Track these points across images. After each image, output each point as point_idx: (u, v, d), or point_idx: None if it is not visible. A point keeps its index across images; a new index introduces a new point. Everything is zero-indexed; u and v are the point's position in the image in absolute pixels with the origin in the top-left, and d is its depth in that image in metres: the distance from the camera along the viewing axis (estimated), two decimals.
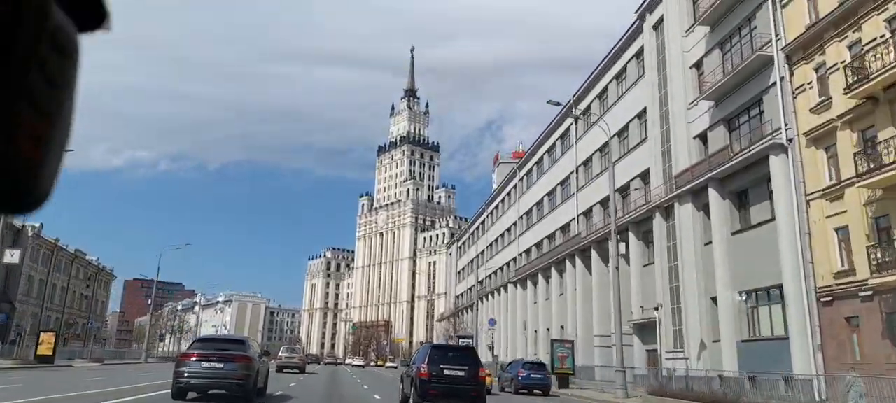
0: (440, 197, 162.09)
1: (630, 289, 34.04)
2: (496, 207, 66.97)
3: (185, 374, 12.54)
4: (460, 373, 13.52)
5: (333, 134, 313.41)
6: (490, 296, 59.86)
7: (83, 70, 0.45)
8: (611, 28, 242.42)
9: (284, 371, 33.19)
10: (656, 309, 29.26)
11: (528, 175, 55.88)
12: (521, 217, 56.38)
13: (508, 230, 61.00)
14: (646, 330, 31.90)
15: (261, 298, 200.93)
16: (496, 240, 64.18)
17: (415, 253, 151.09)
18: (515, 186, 59.58)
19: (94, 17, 0.55)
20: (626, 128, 36.11)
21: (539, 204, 51.78)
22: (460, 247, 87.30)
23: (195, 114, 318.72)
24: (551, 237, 48.49)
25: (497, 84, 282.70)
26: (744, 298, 24.40)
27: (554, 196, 48.47)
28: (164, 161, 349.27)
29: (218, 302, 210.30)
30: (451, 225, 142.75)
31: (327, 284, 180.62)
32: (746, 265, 24.17)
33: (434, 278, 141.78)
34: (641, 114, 34.30)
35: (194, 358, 12.73)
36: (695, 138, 28.54)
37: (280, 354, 37.01)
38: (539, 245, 51.15)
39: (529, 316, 50.04)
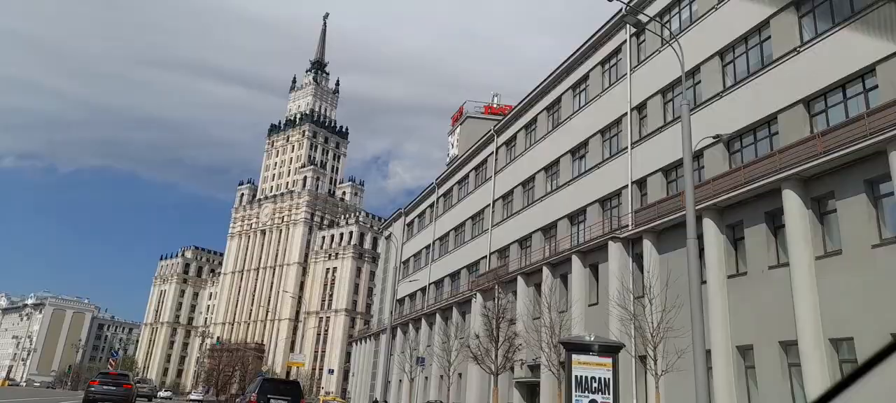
0: (345, 192, 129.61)
1: None
2: (508, 144, 38.69)
3: (93, 391, 22.73)
4: None
5: (212, 152, 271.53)
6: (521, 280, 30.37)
7: None
8: (503, 86, 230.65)
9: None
10: None
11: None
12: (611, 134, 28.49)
13: (567, 157, 32.84)
14: None
15: (87, 304, 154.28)
16: (523, 184, 35.70)
17: (306, 257, 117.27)
18: (584, 82, 31.85)
19: None
20: None
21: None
22: (409, 225, 57.61)
23: (53, 112, 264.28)
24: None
25: (386, 121, 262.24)
26: None
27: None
28: (9, 158, 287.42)
29: (26, 305, 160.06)
30: (361, 221, 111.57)
31: (182, 292, 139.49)
32: None
33: (333, 288, 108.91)
34: None
35: (98, 383, 23.25)
36: None
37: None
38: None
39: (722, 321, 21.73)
